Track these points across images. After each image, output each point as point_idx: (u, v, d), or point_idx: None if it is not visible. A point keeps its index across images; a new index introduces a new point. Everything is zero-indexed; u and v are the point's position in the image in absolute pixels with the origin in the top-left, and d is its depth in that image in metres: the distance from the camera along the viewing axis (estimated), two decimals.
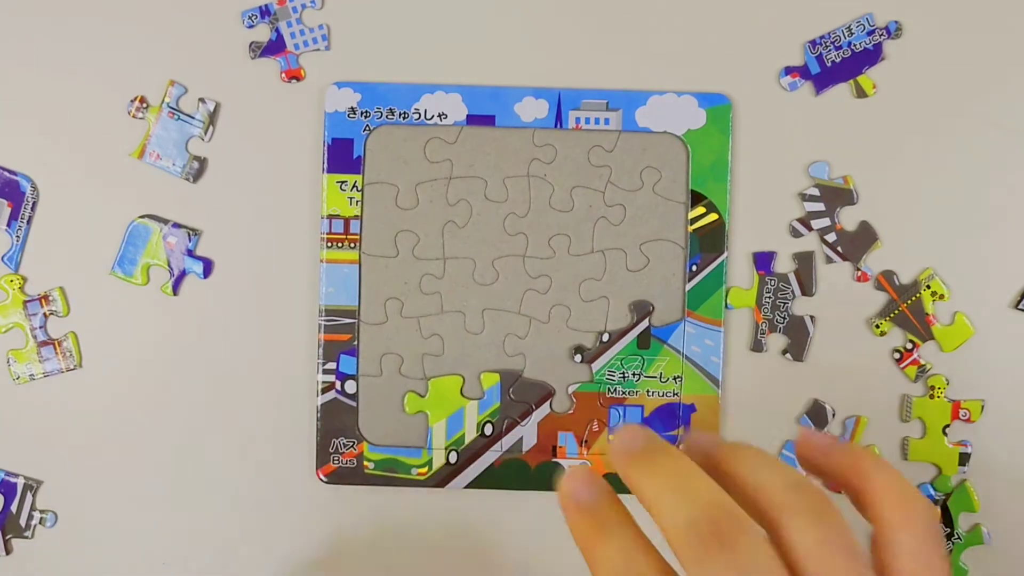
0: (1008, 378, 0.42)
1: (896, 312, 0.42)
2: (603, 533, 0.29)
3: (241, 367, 0.42)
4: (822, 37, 0.42)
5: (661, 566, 0.28)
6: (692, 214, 0.42)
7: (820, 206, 0.42)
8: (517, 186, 0.42)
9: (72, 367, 0.42)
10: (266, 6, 0.42)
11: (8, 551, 0.42)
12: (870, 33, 0.42)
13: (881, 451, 0.42)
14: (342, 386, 0.41)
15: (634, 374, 0.42)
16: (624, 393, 0.42)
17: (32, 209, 0.42)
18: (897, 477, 0.30)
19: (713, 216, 0.42)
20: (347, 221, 0.41)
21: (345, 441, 0.41)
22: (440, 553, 0.42)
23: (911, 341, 0.42)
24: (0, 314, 0.42)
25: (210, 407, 0.42)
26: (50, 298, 0.42)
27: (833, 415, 0.42)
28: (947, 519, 0.42)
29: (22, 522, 0.42)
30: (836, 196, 0.42)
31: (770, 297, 0.42)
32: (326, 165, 0.41)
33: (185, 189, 0.42)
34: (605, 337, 0.42)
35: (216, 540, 0.42)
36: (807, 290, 0.42)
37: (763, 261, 0.42)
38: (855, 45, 0.42)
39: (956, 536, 0.42)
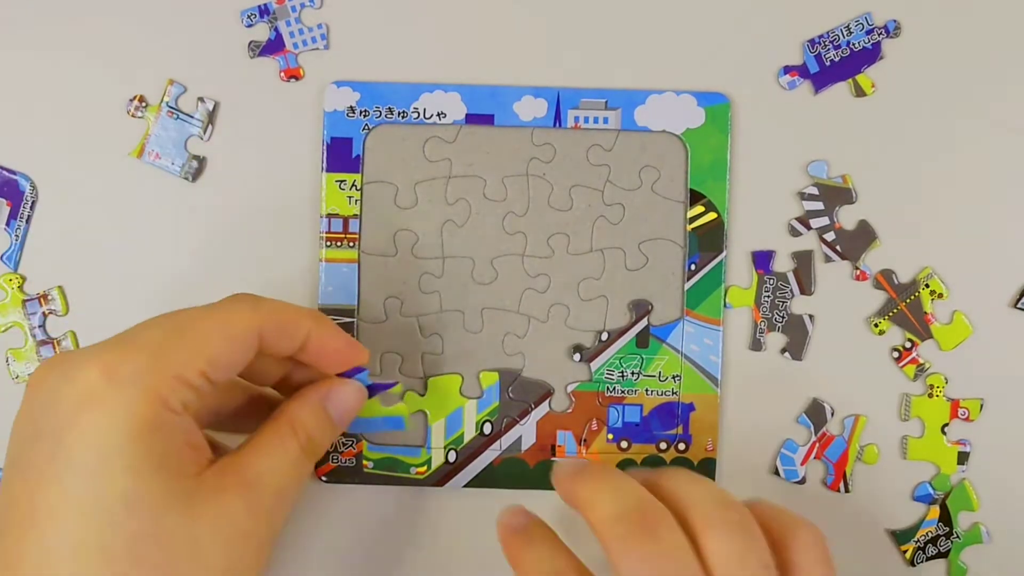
0: (1007, 377, 0.42)
1: (895, 311, 0.42)
2: (529, 545, 0.34)
3: None
4: (821, 36, 0.42)
5: (577, 563, 0.33)
6: (691, 213, 0.42)
7: (819, 205, 0.42)
8: (516, 185, 0.42)
9: None
10: (265, 5, 0.42)
11: None
12: (869, 32, 0.42)
13: (880, 450, 0.42)
14: None
15: (633, 373, 0.42)
16: (623, 392, 0.42)
17: (31, 208, 0.42)
18: (782, 511, 0.34)
19: (712, 215, 0.42)
20: (346, 220, 0.41)
21: (344, 440, 0.41)
22: (439, 552, 0.42)
23: (910, 340, 0.42)
24: None
25: None
26: (49, 297, 0.42)
27: (832, 414, 0.42)
28: (946, 518, 0.42)
29: None
30: (835, 195, 0.42)
31: (769, 296, 0.42)
32: (325, 164, 0.41)
33: (184, 188, 0.42)
34: (604, 336, 0.42)
35: None
36: (806, 289, 0.42)
37: (762, 260, 0.42)
38: (854, 44, 0.42)
39: (955, 535, 0.42)
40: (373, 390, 0.38)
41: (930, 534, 0.42)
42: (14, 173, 0.42)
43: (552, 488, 0.34)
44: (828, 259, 0.42)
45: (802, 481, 0.42)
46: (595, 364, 0.42)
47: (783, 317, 0.42)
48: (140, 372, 0.30)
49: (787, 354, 0.42)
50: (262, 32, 0.42)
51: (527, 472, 0.42)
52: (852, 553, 0.42)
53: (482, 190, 0.42)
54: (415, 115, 0.41)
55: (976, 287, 0.42)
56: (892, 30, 0.42)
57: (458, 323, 0.42)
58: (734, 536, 0.31)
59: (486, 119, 0.41)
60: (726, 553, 0.31)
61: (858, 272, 0.42)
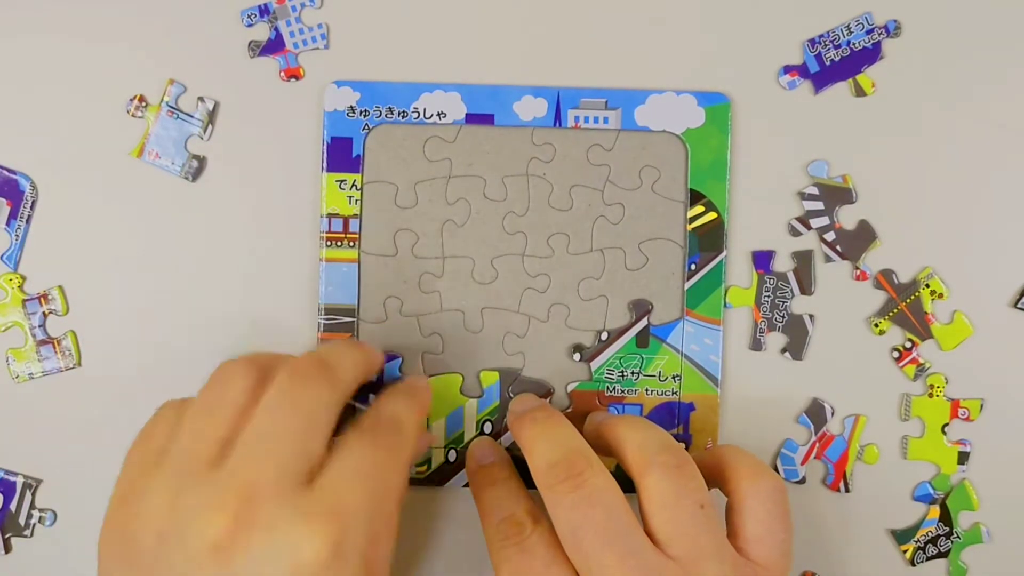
0: (1007, 377, 0.42)
1: (895, 311, 0.42)
2: (491, 485, 0.37)
3: None
4: (821, 36, 0.42)
5: (529, 506, 0.36)
6: (691, 213, 0.42)
7: (819, 205, 0.42)
8: (516, 185, 0.42)
9: (71, 366, 0.42)
10: (265, 5, 0.42)
11: (7, 550, 0.42)
12: (869, 32, 0.42)
13: (880, 450, 0.42)
14: None
15: (633, 373, 0.42)
16: (623, 392, 0.42)
17: (31, 208, 0.42)
18: (750, 456, 0.36)
19: (712, 215, 0.42)
20: (346, 220, 0.41)
21: None
22: (438, 551, 0.42)
23: (910, 340, 0.42)
24: None
25: None
26: (49, 297, 0.42)
27: (832, 414, 0.42)
28: (946, 518, 0.42)
29: (21, 521, 0.42)
30: (835, 195, 0.42)
31: (769, 296, 0.42)
32: (325, 164, 0.41)
33: (184, 188, 0.42)
34: (604, 336, 0.42)
35: None
36: (806, 289, 0.42)
37: (762, 260, 0.42)
38: (854, 44, 0.42)
39: (955, 535, 0.42)
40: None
41: (930, 534, 0.42)
42: (14, 173, 0.42)
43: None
44: (828, 259, 0.42)
45: (802, 481, 0.42)
46: (595, 364, 0.42)
47: (783, 317, 0.42)
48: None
49: (787, 354, 0.42)
50: (262, 32, 0.42)
51: (527, 471, 0.41)
52: (852, 553, 0.42)
53: (482, 190, 0.42)
54: (415, 115, 0.41)
55: (976, 287, 0.42)
56: (892, 30, 0.42)
57: (458, 323, 0.42)
58: (668, 477, 0.33)
59: (486, 119, 0.41)
60: (659, 493, 0.33)
61: (858, 272, 0.42)
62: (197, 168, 0.42)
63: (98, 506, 0.42)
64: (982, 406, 0.42)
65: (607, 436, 0.36)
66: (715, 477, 0.36)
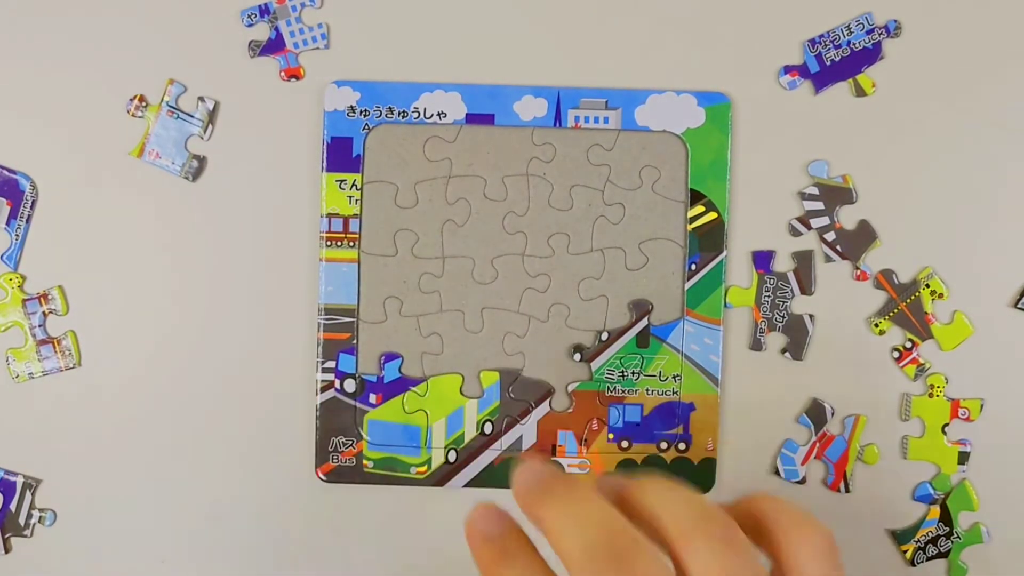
0: (1007, 376, 0.42)
1: (895, 311, 0.42)
2: (505, 559, 0.30)
3: (240, 366, 0.42)
4: (821, 36, 0.42)
5: None
6: (691, 213, 0.42)
7: (819, 205, 0.42)
8: (516, 185, 0.42)
9: (71, 366, 0.42)
10: (265, 5, 0.42)
11: (7, 550, 0.42)
12: (869, 32, 0.42)
13: (880, 450, 0.42)
14: (341, 385, 0.41)
15: (633, 373, 0.42)
16: (623, 392, 0.42)
17: (31, 208, 0.42)
18: (791, 508, 0.30)
19: (712, 215, 0.42)
20: (346, 220, 0.41)
21: (344, 440, 0.41)
22: (439, 552, 0.42)
23: (910, 340, 0.42)
24: None
25: (209, 405, 0.42)
26: (49, 297, 0.42)
27: (832, 414, 0.42)
28: (946, 518, 0.42)
29: (21, 521, 0.42)
30: (835, 195, 0.42)
31: (769, 296, 0.42)
32: (325, 164, 0.41)
33: (184, 188, 0.42)
34: (604, 336, 0.42)
35: (215, 538, 0.42)
36: (806, 289, 0.42)
37: (762, 260, 0.42)
38: (854, 44, 0.42)
39: (955, 535, 0.42)
40: (404, 384, 0.41)
41: (930, 534, 0.42)
42: (14, 173, 0.42)
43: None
44: (828, 259, 0.42)
45: (802, 481, 0.42)
46: (595, 364, 0.42)
47: (783, 317, 0.42)
48: None
49: (787, 354, 0.42)
50: (262, 32, 0.42)
51: None
52: (852, 553, 0.42)
53: (482, 190, 0.42)
54: (415, 115, 0.41)
55: (976, 287, 0.42)
56: (892, 30, 0.42)
57: (458, 323, 0.42)
58: (716, 552, 0.28)
59: (486, 119, 0.41)
60: (710, 572, 0.28)
61: (858, 272, 0.42)
62: (197, 168, 0.42)
63: (97, 506, 0.42)
64: (982, 406, 0.42)
65: (634, 503, 0.30)
66: (750, 532, 0.32)
